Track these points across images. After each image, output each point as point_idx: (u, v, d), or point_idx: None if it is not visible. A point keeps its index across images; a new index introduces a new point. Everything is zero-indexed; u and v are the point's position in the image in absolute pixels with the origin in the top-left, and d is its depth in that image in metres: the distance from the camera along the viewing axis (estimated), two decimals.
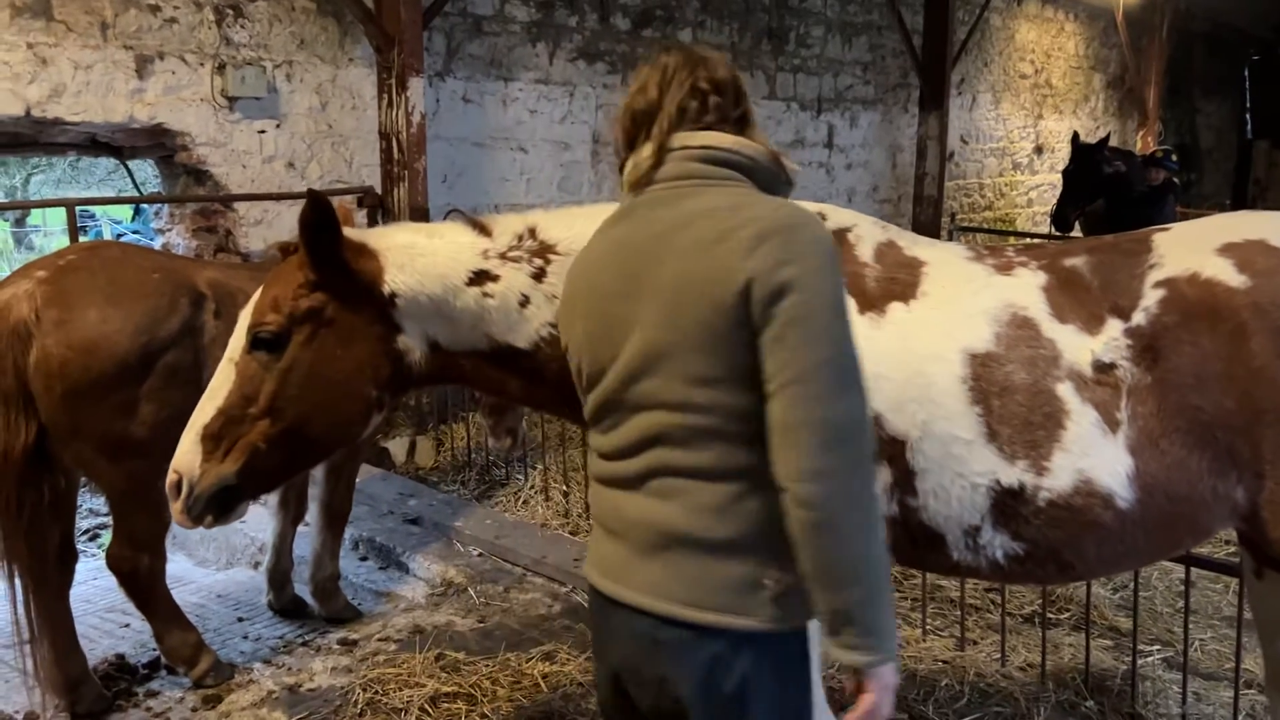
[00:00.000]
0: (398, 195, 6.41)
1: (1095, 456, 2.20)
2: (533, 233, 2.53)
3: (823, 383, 1.64)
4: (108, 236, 15.84)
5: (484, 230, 2.55)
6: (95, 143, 5.71)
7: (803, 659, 1.80)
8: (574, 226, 2.49)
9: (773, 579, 1.73)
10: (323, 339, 2.44)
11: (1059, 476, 2.22)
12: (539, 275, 2.47)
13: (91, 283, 3.48)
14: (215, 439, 2.45)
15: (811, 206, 2.18)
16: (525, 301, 2.47)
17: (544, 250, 2.50)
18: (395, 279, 2.46)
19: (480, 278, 2.48)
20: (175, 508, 2.50)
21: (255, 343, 2.44)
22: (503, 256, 2.50)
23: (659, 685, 1.80)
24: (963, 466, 2.25)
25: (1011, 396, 2.24)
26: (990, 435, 2.24)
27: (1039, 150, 13.94)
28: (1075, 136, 9.33)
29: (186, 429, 2.49)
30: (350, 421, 2.53)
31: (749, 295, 1.68)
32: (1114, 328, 2.26)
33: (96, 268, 3.54)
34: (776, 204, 1.80)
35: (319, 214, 2.37)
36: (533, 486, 5.66)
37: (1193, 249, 2.31)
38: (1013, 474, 2.23)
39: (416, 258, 2.49)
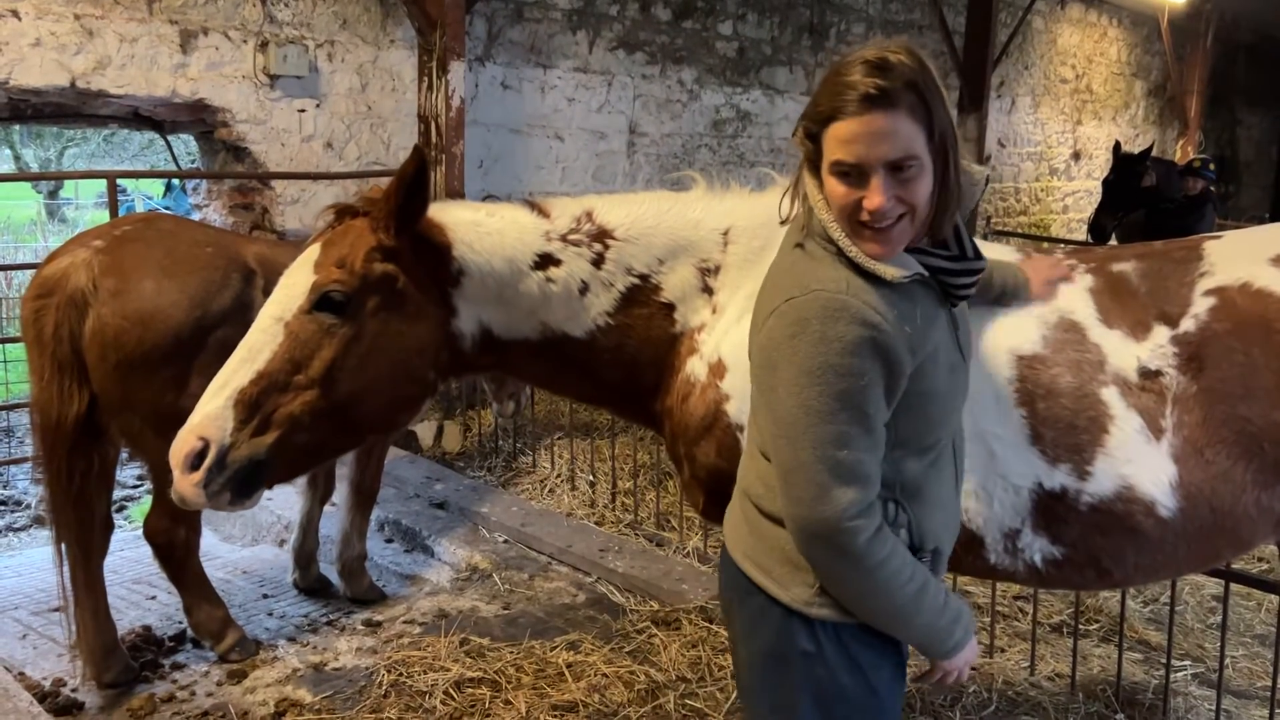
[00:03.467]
0: (434, 179, 6.41)
1: (1138, 463, 2.18)
2: (590, 216, 2.45)
3: (800, 486, 1.71)
4: (139, 211, 15.98)
5: (541, 211, 2.47)
6: (137, 116, 5.73)
7: (825, 648, 1.83)
8: (632, 212, 2.45)
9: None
10: (392, 310, 2.29)
11: (1101, 481, 2.19)
12: (598, 261, 2.41)
13: (148, 254, 3.50)
14: (251, 406, 2.20)
15: None
16: (585, 289, 2.40)
17: (602, 235, 2.43)
18: (464, 256, 2.35)
19: (545, 262, 2.39)
20: (189, 479, 2.19)
21: (322, 302, 2.24)
22: (564, 240, 2.42)
23: (726, 612, 2.02)
24: (1005, 468, 2.23)
25: (1057, 399, 2.22)
26: (1034, 437, 2.22)
27: (1076, 156, 13.80)
28: (1117, 146, 9.20)
29: (212, 391, 2.23)
30: (404, 404, 2.41)
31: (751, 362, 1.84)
32: (1161, 334, 2.23)
33: (152, 239, 3.56)
34: (814, 283, 1.72)
35: (421, 173, 2.26)
36: (559, 475, 5.65)
37: (1246, 259, 2.27)
38: (1055, 477, 2.21)
39: (484, 236, 2.38)
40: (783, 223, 1.89)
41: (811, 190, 1.77)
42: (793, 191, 1.85)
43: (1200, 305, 2.23)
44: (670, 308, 2.42)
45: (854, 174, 1.67)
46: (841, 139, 1.66)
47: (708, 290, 2.40)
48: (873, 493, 1.72)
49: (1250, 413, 2.15)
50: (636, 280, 2.41)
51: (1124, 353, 2.23)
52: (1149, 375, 2.21)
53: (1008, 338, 2.28)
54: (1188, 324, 2.22)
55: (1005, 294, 2.29)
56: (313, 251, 2.32)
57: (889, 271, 1.70)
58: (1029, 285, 2.31)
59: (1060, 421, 2.21)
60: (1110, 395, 2.21)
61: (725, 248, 2.41)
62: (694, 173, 2.59)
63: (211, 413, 2.20)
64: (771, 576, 1.84)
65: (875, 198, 1.66)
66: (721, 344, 2.34)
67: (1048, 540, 2.26)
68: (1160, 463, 2.17)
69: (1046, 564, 2.28)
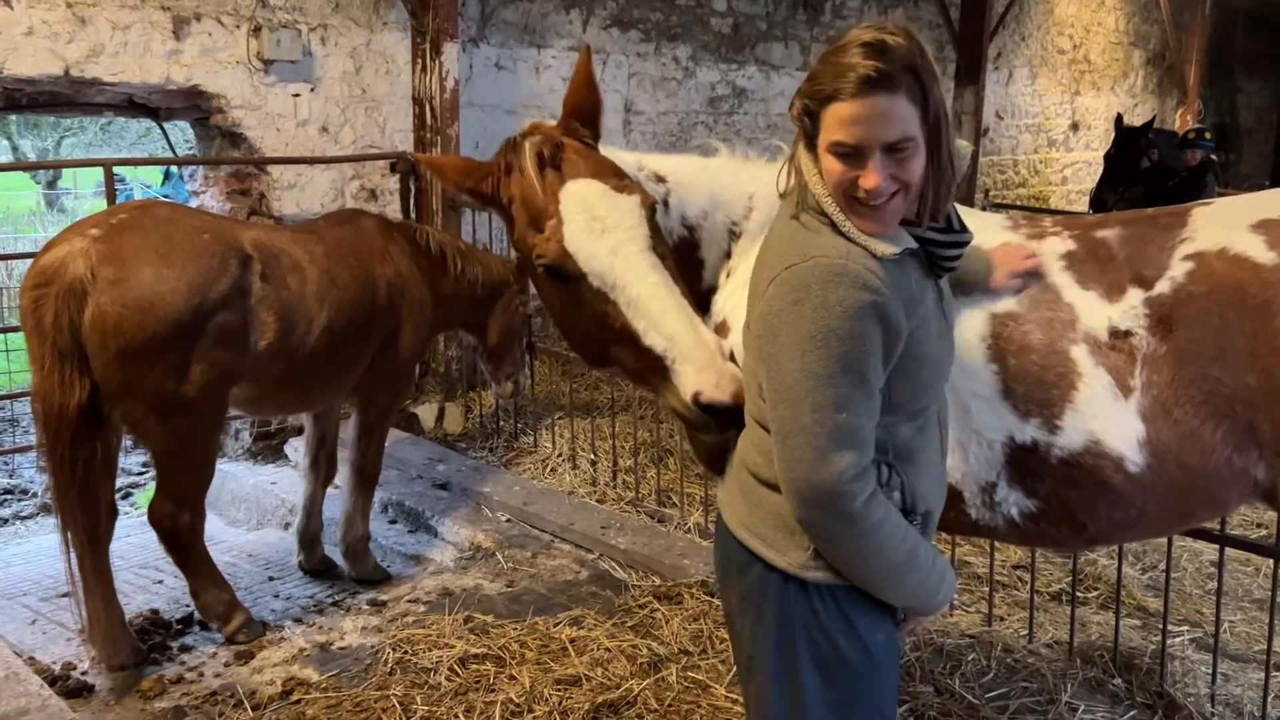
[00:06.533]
0: None
1: (1106, 419, 2.23)
2: (641, 165, 2.45)
3: (799, 449, 1.73)
4: (137, 199, 15.91)
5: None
6: (132, 103, 5.72)
7: (821, 612, 1.86)
8: (673, 164, 2.48)
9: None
10: None
11: (1070, 436, 2.25)
12: (665, 204, 2.40)
13: (145, 242, 3.52)
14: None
15: None
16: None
17: (659, 177, 2.43)
18: None
19: None
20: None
21: (654, 220, 2.20)
22: (637, 174, 2.40)
23: (723, 583, 2.04)
24: (979, 422, 2.29)
25: (1027, 355, 2.28)
26: (1006, 392, 2.28)
27: (1075, 127, 13.73)
28: (1119, 119, 9.13)
29: (695, 340, 2.04)
30: None
31: (751, 331, 1.85)
32: (1134, 296, 2.27)
33: (149, 227, 3.57)
34: (814, 250, 1.74)
35: None
36: (560, 454, 5.68)
37: (1227, 224, 2.29)
38: (1026, 431, 2.27)
39: (612, 157, 2.36)
40: (781, 196, 1.91)
41: (806, 165, 1.80)
42: (788, 167, 1.88)
43: (1178, 269, 2.26)
44: (702, 264, 2.47)
45: (853, 154, 1.71)
46: (842, 120, 1.69)
47: (728, 254, 2.47)
48: (869, 456, 1.75)
49: (1222, 374, 2.18)
50: (686, 232, 2.44)
51: (1096, 313, 2.28)
52: (1119, 335, 2.25)
53: (983, 296, 2.33)
54: (1162, 286, 2.25)
55: (964, 282, 2.29)
56: (590, 186, 2.14)
57: (881, 248, 1.75)
58: (991, 275, 2.31)
59: (1030, 377, 2.27)
60: (1079, 353, 2.26)
61: (750, 213, 2.44)
62: (716, 141, 2.60)
63: (715, 349, 2.07)
64: (767, 543, 1.88)
65: (872, 177, 1.70)
66: (726, 304, 2.40)
67: (1022, 494, 2.32)
68: (1128, 420, 2.22)
69: (1024, 518, 2.34)
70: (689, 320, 2.05)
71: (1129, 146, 8.72)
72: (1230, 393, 2.18)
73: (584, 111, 2.26)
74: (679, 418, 2.10)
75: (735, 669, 3.50)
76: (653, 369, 2.08)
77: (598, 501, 5.14)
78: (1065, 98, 13.45)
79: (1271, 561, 4.11)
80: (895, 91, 1.67)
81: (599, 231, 2.09)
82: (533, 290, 5.36)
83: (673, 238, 2.39)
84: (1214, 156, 9.09)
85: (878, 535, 1.77)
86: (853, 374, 1.70)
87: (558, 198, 2.13)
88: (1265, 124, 18.11)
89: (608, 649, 3.71)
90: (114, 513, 3.73)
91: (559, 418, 6.05)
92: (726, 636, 3.74)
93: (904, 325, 1.75)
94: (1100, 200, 9.03)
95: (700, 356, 2.01)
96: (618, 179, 2.17)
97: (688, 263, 2.42)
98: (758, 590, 1.91)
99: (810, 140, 1.78)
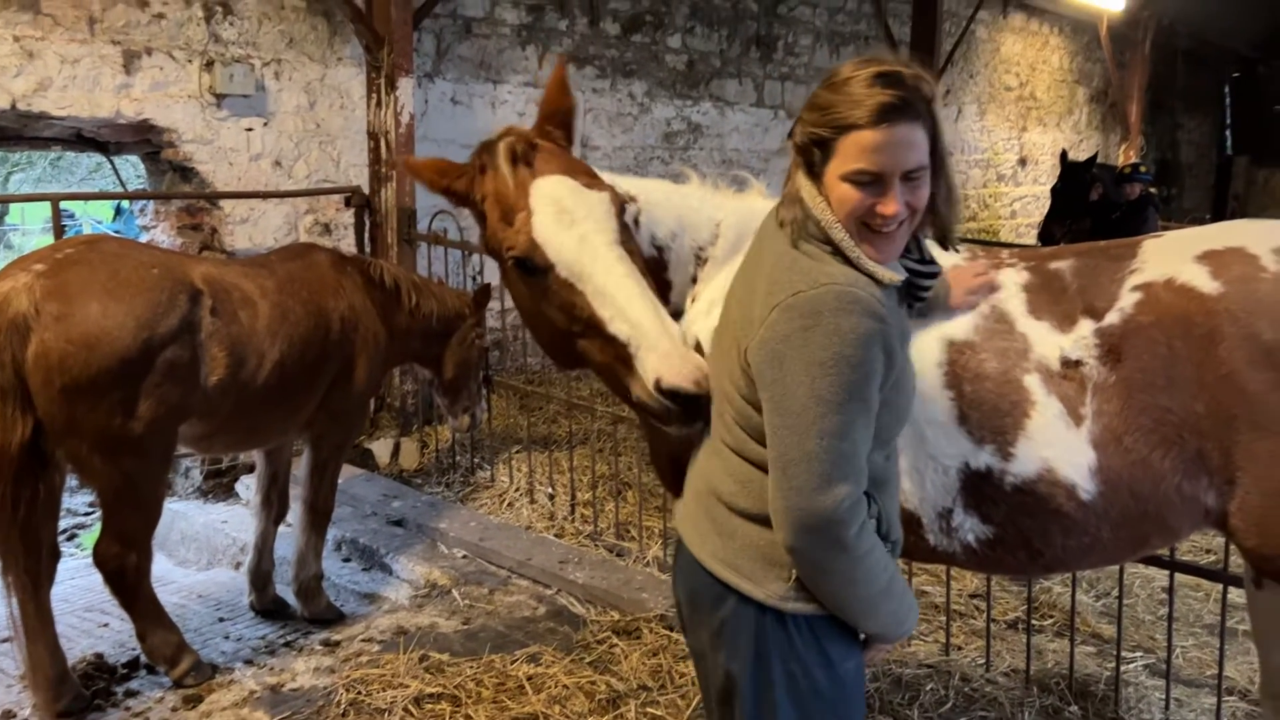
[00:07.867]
0: (385, 195, 6.40)
1: (1057, 447, 2.26)
2: (613, 184, 2.39)
3: (801, 477, 1.72)
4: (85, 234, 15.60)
5: None
6: (81, 138, 5.65)
7: (797, 642, 1.86)
8: (642, 186, 2.47)
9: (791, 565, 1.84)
10: None
11: (1023, 463, 2.28)
12: (635, 222, 2.38)
13: (92, 277, 3.45)
14: None
15: None
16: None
17: (630, 199, 2.40)
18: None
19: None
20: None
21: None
22: None
23: (692, 618, 2.00)
24: (935, 449, 2.31)
25: (982, 383, 2.31)
26: (961, 419, 2.31)
27: (1023, 162, 14.04)
28: (1064, 154, 9.37)
29: (658, 330, 2.03)
30: None
31: (747, 357, 1.80)
32: (1085, 327, 2.31)
33: (96, 261, 3.51)
34: (824, 278, 1.74)
35: None
36: (517, 489, 5.63)
37: (1173, 255, 2.35)
38: (981, 457, 2.30)
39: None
40: (780, 225, 1.88)
41: (809, 193, 1.81)
42: (790, 196, 1.87)
43: (1127, 300, 2.31)
44: (669, 286, 2.46)
45: (873, 182, 1.73)
46: (863, 148, 1.72)
47: (694, 280, 2.47)
48: (863, 486, 1.77)
49: (1171, 403, 2.22)
50: (655, 253, 2.43)
51: (1048, 342, 2.32)
52: (1070, 365, 2.29)
53: (941, 324, 2.37)
54: (1112, 317, 2.30)
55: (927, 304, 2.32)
56: (560, 181, 2.16)
57: (887, 275, 1.78)
58: (949, 295, 2.37)
59: (985, 404, 2.30)
60: (1032, 382, 2.29)
61: (716, 240, 2.45)
62: (687, 169, 2.62)
63: (679, 338, 2.08)
64: (743, 574, 1.87)
65: (891, 205, 1.74)
66: (693, 328, 2.39)
67: (978, 520, 2.34)
68: (1080, 448, 2.25)
69: (981, 544, 2.36)
70: (654, 309, 2.05)
71: (1075, 181, 8.94)
72: (1179, 420, 2.21)
73: (558, 116, 2.31)
74: (645, 411, 2.08)
75: (692, 705, 3.48)
76: (619, 359, 2.07)
77: (556, 536, 5.09)
78: (1013, 134, 13.76)
79: (1221, 586, 4.19)
80: (915, 120, 1.72)
81: (568, 223, 2.11)
82: (489, 324, 5.36)
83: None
84: (1153, 190, 9.35)
85: (865, 564, 1.78)
86: (859, 402, 1.71)
87: (528, 191, 2.15)
88: (1205, 159, 18.63)
89: (566, 686, 3.66)
90: (56, 555, 3.64)
91: (516, 451, 6.01)
92: (685, 671, 3.71)
93: (898, 355, 1.78)
94: (1048, 233, 9.23)
95: (664, 344, 2.01)
96: (589, 177, 2.20)
97: (655, 283, 2.38)
98: (731, 624, 1.89)
99: (811, 169, 1.80)
